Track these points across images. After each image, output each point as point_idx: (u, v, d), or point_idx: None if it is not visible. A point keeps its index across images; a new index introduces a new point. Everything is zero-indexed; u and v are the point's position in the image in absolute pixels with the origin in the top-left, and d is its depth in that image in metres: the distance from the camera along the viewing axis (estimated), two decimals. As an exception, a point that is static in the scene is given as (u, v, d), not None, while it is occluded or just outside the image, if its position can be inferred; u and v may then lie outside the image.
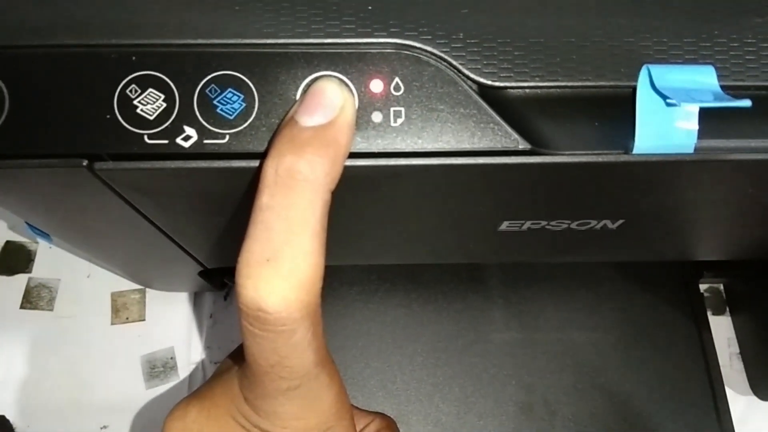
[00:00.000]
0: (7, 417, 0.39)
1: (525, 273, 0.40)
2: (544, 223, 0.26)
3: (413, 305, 0.39)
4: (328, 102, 0.19)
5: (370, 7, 0.20)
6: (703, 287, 0.43)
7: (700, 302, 0.40)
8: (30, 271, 0.42)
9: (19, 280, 0.42)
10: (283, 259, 0.18)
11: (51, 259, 0.43)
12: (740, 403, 0.41)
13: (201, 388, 0.25)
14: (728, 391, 0.39)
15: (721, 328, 0.42)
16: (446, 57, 0.20)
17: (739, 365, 0.42)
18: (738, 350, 0.42)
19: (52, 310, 0.41)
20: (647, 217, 0.26)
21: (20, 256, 0.43)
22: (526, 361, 0.38)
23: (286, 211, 0.18)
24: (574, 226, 0.26)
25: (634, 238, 0.28)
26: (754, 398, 0.41)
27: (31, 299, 0.42)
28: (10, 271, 0.42)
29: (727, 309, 0.43)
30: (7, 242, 0.43)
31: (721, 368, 0.39)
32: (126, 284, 0.42)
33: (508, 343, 0.39)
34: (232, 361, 0.26)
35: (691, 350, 0.38)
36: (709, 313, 0.42)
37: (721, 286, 0.44)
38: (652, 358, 0.38)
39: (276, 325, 0.18)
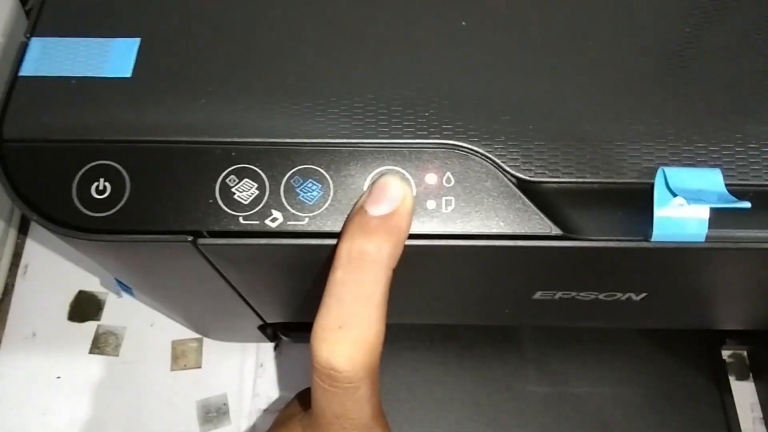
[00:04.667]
0: (74, 454, 0.42)
1: (556, 336, 0.42)
2: (574, 293, 0.29)
3: (450, 363, 0.41)
4: (392, 195, 0.22)
5: (427, 114, 0.24)
6: (726, 353, 0.45)
7: (722, 368, 0.42)
8: (99, 319, 0.46)
9: (89, 327, 0.46)
10: (353, 327, 0.21)
11: (118, 308, 0.47)
12: (764, 467, 0.42)
13: (266, 434, 0.28)
14: (752, 456, 0.40)
15: (745, 393, 0.44)
16: (490, 155, 0.24)
17: (762, 430, 0.43)
18: (761, 415, 0.43)
19: (117, 355, 0.45)
20: (668, 292, 0.29)
21: (91, 305, 0.47)
22: (556, 418, 0.40)
23: (357, 286, 0.21)
24: (601, 297, 0.29)
25: (657, 309, 0.31)
26: (778, 463, 0.42)
27: (99, 345, 0.46)
28: (82, 318, 0.47)
29: (751, 374, 0.45)
30: (80, 292, 0.47)
31: (745, 433, 0.41)
32: (185, 333, 0.45)
33: (540, 401, 0.41)
34: (292, 411, 0.29)
35: (713, 414, 0.40)
36: (732, 378, 0.44)
37: (745, 352, 0.45)
38: (676, 421, 0.40)
39: (344, 383, 0.22)
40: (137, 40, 0.25)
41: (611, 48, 0.25)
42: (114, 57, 0.25)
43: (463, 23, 0.26)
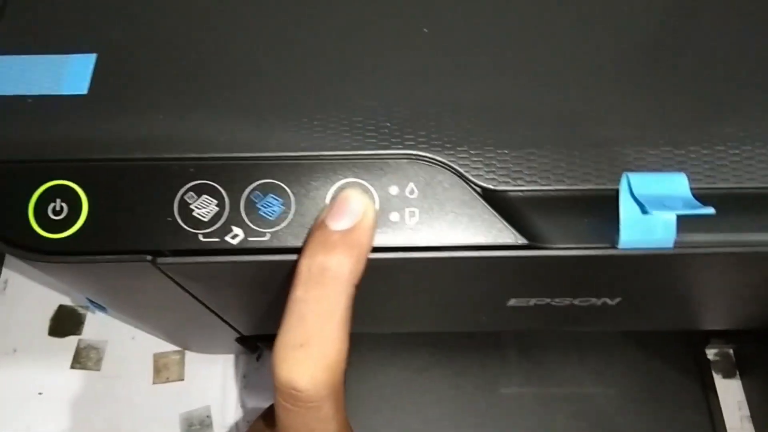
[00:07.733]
0: (56, 471, 0.42)
1: (538, 338, 0.42)
2: (548, 300, 0.29)
3: (432, 369, 0.41)
4: (353, 209, 0.22)
5: (388, 124, 0.24)
6: (712, 351, 0.45)
7: (706, 367, 0.42)
8: (80, 334, 0.46)
9: (70, 342, 0.46)
10: (314, 345, 0.21)
11: (99, 323, 0.46)
12: (752, 466, 0.42)
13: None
14: (739, 455, 0.40)
15: (732, 392, 0.44)
16: (453, 165, 0.23)
17: (750, 428, 0.43)
18: (748, 413, 0.43)
19: (99, 370, 0.45)
20: (642, 296, 0.28)
21: (72, 320, 0.47)
22: (539, 420, 0.40)
23: (318, 303, 0.21)
24: (576, 302, 0.29)
25: (633, 313, 0.31)
26: (766, 461, 0.42)
27: (80, 359, 0.45)
28: (63, 333, 0.46)
29: (737, 372, 0.44)
30: (60, 306, 0.47)
31: (732, 431, 0.40)
32: (167, 346, 0.45)
33: (523, 403, 0.41)
34: (257, 429, 0.28)
35: (698, 413, 0.40)
36: (719, 377, 0.43)
37: (731, 350, 0.45)
38: (661, 421, 0.40)
39: (306, 402, 0.21)
40: (93, 56, 0.25)
41: (574, 53, 0.25)
42: (70, 74, 0.24)
43: (425, 30, 0.25)
